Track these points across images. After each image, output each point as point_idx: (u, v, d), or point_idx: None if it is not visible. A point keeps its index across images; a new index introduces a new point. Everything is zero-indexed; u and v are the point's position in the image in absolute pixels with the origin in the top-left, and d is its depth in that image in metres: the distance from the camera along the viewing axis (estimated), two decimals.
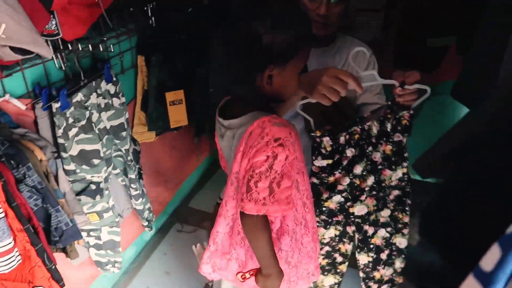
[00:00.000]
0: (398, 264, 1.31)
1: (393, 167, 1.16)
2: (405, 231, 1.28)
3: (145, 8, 1.61)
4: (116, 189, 1.56)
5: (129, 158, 1.49)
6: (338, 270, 1.37)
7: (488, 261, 0.31)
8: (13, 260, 0.97)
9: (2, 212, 0.94)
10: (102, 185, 1.33)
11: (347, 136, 1.10)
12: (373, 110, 1.15)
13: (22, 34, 0.80)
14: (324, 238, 1.29)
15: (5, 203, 0.95)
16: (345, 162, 1.12)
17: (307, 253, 1.08)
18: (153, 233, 2.08)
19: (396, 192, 1.20)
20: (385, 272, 1.34)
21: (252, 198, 0.85)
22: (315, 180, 1.16)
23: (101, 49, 1.33)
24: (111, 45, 1.39)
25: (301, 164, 0.99)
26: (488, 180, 0.37)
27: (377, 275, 1.35)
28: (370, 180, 1.15)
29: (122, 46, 1.51)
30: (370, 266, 1.33)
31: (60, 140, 1.18)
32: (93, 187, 1.31)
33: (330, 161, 1.13)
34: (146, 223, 1.72)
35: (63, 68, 1.27)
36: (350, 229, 1.28)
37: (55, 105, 1.15)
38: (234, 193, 0.98)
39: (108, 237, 1.47)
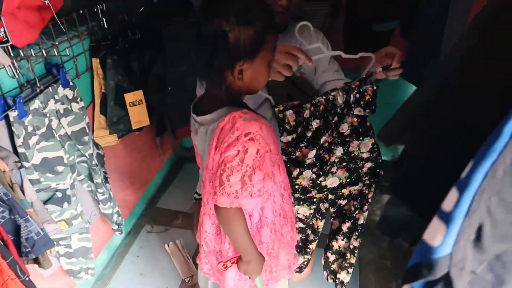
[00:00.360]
0: (354, 240, 1.40)
1: (361, 138, 1.20)
2: (365, 207, 1.36)
3: (95, 9, 1.59)
4: (82, 195, 1.53)
5: (93, 162, 1.46)
6: (308, 250, 1.44)
7: (448, 202, 0.37)
8: None
9: None
10: (68, 192, 1.31)
11: (312, 108, 1.13)
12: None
13: None
14: (298, 214, 1.34)
15: None
16: (309, 134, 1.15)
17: (287, 242, 1.13)
18: (123, 236, 2.05)
19: (369, 165, 1.25)
20: (343, 244, 1.42)
21: (225, 192, 0.88)
22: (284, 158, 1.19)
23: (56, 54, 1.30)
24: (66, 48, 1.36)
25: (276, 156, 1.02)
26: (440, 138, 0.42)
27: (335, 245, 1.43)
28: (339, 151, 1.19)
29: (75, 49, 1.47)
30: (331, 236, 1.41)
31: (21, 150, 1.15)
32: (59, 194, 1.29)
33: (294, 135, 1.16)
34: (116, 227, 1.71)
35: (16, 76, 1.23)
36: (323, 206, 1.33)
37: (12, 114, 1.12)
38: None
39: (79, 244, 1.44)
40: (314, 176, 1.23)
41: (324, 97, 1.14)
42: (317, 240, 1.44)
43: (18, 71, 1.23)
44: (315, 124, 1.15)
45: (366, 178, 1.28)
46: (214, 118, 0.93)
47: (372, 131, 1.22)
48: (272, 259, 1.09)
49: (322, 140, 1.16)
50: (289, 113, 1.13)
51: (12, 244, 1.06)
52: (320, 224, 1.39)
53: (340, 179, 1.26)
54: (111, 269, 1.89)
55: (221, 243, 1.05)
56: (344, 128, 1.18)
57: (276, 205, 1.05)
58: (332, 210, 1.36)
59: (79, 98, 1.39)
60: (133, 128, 1.73)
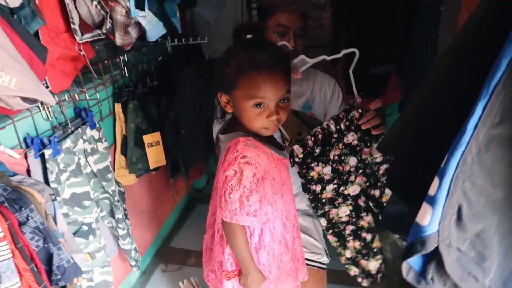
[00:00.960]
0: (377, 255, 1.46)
1: (368, 144, 1.30)
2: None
3: (117, 60, 1.76)
4: (102, 232, 1.61)
5: (115, 198, 1.56)
6: (375, 250, 1.49)
7: (432, 188, 0.46)
8: None
9: (9, 253, 1.00)
10: (93, 225, 1.40)
11: (312, 139, 1.27)
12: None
13: (30, 85, 0.91)
14: (341, 217, 1.42)
15: (12, 243, 1.01)
16: (318, 151, 1.28)
17: (286, 271, 1.18)
18: (138, 275, 2.10)
19: (384, 166, 1.31)
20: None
21: (227, 208, 1.00)
22: (303, 181, 1.32)
23: (86, 97, 1.44)
24: (97, 93, 1.50)
25: (281, 186, 1.11)
26: (424, 140, 0.53)
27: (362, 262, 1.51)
28: (353, 161, 1.30)
29: (99, 95, 1.62)
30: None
31: (53, 185, 1.26)
32: (85, 228, 1.37)
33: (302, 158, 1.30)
34: (134, 263, 1.76)
35: (50, 118, 1.36)
36: (361, 201, 1.40)
37: (47, 152, 1.23)
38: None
39: (101, 278, 1.50)
40: (336, 186, 1.33)
41: (319, 127, 1.27)
42: (376, 236, 1.47)
43: (51, 114, 1.36)
44: (318, 150, 1.28)
45: (384, 178, 1.34)
46: (227, 139, 1.07)
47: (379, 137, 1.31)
48: (269, 284, 1.14)
49: (331, 155, 1.28)
50: (296, 147, 1.27)
51: (44, 272, 1.14)
52: (369, 219, 1.42)
53: (360, 185, 1.35)
54: None
55: (222, 254, 1.14)
56: (350, 139, 1.28)
57: (276, 231, 1.13)
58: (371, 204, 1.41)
59: (104, 139, 1.52)
60: (151, 167, 1.83)
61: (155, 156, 1.82)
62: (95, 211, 1.41)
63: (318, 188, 1.34)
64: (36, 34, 1.13)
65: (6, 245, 0.99)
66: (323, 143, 1.28)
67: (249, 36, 1.07)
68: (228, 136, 1.07)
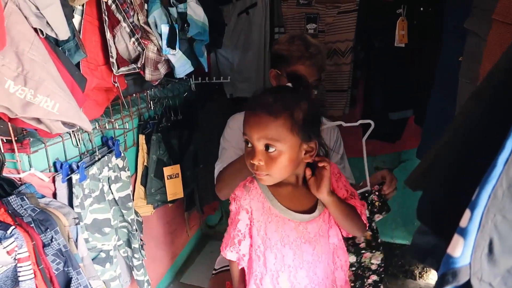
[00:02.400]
0: None
1: (373, 251, 1.34)
2: None
3: (144, 94, 1.84)
4: (118, 261, 1.61)
5: (134, 227, 1.58)
6: None
7: (464, 220, 0.48)
8: None
9: (32, 273, 1.02)
10: (111, 253, 1.41)
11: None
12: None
13: (71, 111, 0.96)
14: None
15: (35, 264, 1.03)
16: None
17: None
18: None
19: (374, 277, 1.37)
20: None
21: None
22: None
23: (116, 126, 1.50)
24: (126, 123, 1.56)
25: (273, 243, 1.05)
26: (455, 175, 0.55)
27: None
28: (352, 259, 1.33)
29: (126, 126, 1.69)
30: None
31: (77, 209, 1.29)
32: (103, 255, 1.38)
33: None
34: None
35: (78, 145, 1.42)
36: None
37: (75, 177, 1.28)
38: None
39: None
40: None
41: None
42: None
43: (81, 141, 1.42)
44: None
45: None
46: None
47: (381, 247, 1.37)
48: None
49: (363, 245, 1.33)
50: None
51: None
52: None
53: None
54: None
55: None
56: (360, 240, 1.32)
57: (254, 272, 1.08)
58: None
59: (127, 168, 1.56)
60: (169, 199, 1.86)
61: (174, 188, 1.85)
62: (114, 238, 1.43)
63: None
64: (77, 65, 1.21)
65: (29, 265, 1.01)
66: None
67: (288, 84, 1.02)
68: None
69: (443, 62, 1.68)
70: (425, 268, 2.44)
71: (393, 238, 2.70)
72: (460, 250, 0.48)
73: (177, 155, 1.90)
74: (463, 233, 0.48)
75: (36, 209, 1.10)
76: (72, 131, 1.38)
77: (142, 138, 1.78)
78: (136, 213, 1.67)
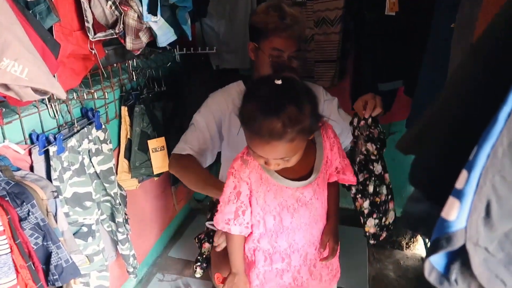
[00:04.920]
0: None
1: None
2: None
3: (126, 64, 1.76)
4: (101, 236, 1.58)
5: (117, 201, 1.54)
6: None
7: (460, 181, 0.44)
8: None
9: (8, 248, 0.97)
10: (93, 227, 1.37)
11: (357, 166, 1.32)
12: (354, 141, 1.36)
13: (42, 77, 0.90)
14: None
15: (11, 239, 0.99)
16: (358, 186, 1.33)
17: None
18: (134, 284, 2.05)
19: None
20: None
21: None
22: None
23: (95, 97, 1.43)
24: (106, 93, 1.49)
25: (272, 208, 1.13)
26: (450, 135, 0.51)
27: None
28: (384, 190, 1.35)
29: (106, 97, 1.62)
30: None
31: (56, 183, 1.24)
32: (85, 229, 1.34)
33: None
34: (131, 269, 1.72)
35: (56, 116, 1.35)
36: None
37: (52, 149, 1.22)
38: None
39: (97, 282, 1.47)
40: (377, 221, 1.36)
41: (362, 155, 1.31)
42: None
43: (58, 113, 1.35)
44: (361, 177, 1.31)
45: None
46: None
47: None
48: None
49: (371, 189, 1.31)
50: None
51: (42, 271, 1.11)
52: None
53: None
54: None
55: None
56: (379, 169, 1.33)
57: (278, 245, 1.20)
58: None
59: (109, 140, 1.50)
60: (154, 173, 1.81)
61: (159, 161, 1.80)
62: (96, 212, 1.39)
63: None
64: (50, 30, 1.13)
65: (5, 239, 0.97)
66: (365, 168, 1.32)
67: (278, 82, 0.97)
68: None
69: (435, 30, 1.63)
70: (412, 239, 2.46)
71: None
72: (456, 214, 0.45)
73: (162, 128, 1.84)
74: (459, 195, 0.44)
75: (11, 182, 1.04)
76: (49, 102, 1.31)
77: (124, 110, 1.72)
78: (119, 186, 1.63)
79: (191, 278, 2.10)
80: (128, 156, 1.76)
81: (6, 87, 0.87)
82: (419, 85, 1.80)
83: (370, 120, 1.32)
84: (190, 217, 2.66)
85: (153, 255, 2.26)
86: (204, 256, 1.59)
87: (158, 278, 2.12)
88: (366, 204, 1.31)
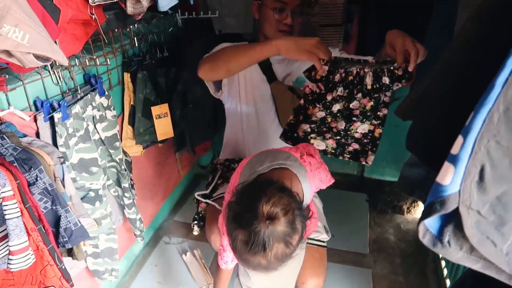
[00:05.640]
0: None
1: (364, 120, 1.22)
2: None
3: (128, 29, 1.74)
4: (108, 200, 1.62)
5: (122, 167, 1.56)
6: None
7: (455, 147, 0.45)
8: (29, 258, 1.03)
9: (18, 211, 1.01)
10: (100, 192, 1.40)
11: (343, 75, 1.19)
12: (377, 58, 1.19)
13: (43, 43, 0.89)
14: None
15: (21, 203, 1.02)
16: (329, 98, 1.23)
17: None
18: (141, 246, 2.12)
19: (355, 146, 1.27)
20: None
21: None
22: (301, 102, 1.29)
23: (97, 63, 1.42)
24: (108, 59, 1.48)
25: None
26: (448, 100, 0.52)
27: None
28: (341, 125, 1.24)
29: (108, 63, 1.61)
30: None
31: (62, 149, 1.26)
32: (92, 194, 1.38)
33: (318, 90, 1.24)
34: (138, 233, 1.78)
35: (59, 83, 1.35)
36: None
37: (57, 116, 1.23)
38: None
39: (106, 244, 1.52)
40: (309, 130, 1.29)
41: (357, 71, 1.17)
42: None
43: (61, 79, 1.35)
44: (340, 91, 1.20)
45: (348, 156, 1.30)
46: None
47: (379, 121, 1.23)
48: None
49: (335, 109, 1.23)
50: (324, 68, 1.21)
51: (52, 234, 1.15)
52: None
53: (326, 147, 1.30)
54: (130, 277, 1.95)
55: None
56: (355, 105, 1.21)
57: None
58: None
59: (112, 107, 1.51)
60: (158, 139, 1.83)
61: (163, 128, 1.81)
62: (102, 178, 1.42)
63: (301, 117, 1.29)
64: None
65: (15, 203, 1.00)
66: (347, 87, 1.20)
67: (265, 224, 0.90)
68: None
69: None
70: (413, 204, 2.50)
71: (383, 176, 2.74)
72: (450, 178, 0.46)
73: (165, 94, 1.84)
74: (454, 160, 0.45)
75: (18, 148, 1.06)
76: (51, 68, 1.31)
77: (127, 76, 1.71)
78: (124, 152, 1.65)
79: (196, 241, 2.16)
80: (132, 122, 1.77)
81: (8, 53, 0.88)
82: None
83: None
84: (194, 183, 2.71)
85: (159, 219, 2.32)
86: (200, 215, 1.64)
87: (164, 241, 2.18)
88: (320, 115, 1.25)
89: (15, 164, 1.05)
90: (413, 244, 2.17)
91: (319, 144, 1.31)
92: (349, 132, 1.26)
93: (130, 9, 1.43)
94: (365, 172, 2.76)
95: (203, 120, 2.21)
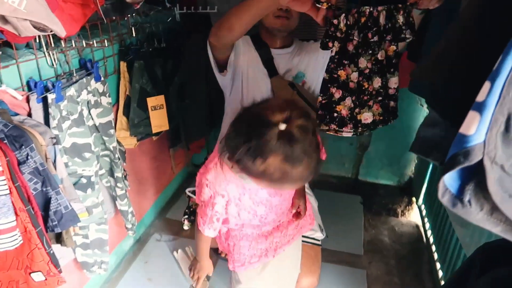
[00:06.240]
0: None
1: (392, 70, 1.22)
2: None
3: (126, 19, 1.71)
4: (100, 188, 1.57)
5: (116, 156, 1.52)
6: None
7: (482, 94, 0.43)
8: (16, 239, 0.99)
9: (7, 189, 0.96)
10: (93, 179, 1.36)
11: (356, 15, 1.13)
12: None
13: (40, 11, 0.86)
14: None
15: (10, 180, 0.97)
16: (350, 48, 1.17)
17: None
18: (132, 243, 2.06)
19: (392, 103, 1.26)
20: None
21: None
22: (325, 76, 1.24)
23: (93, 45, 1.39)
24: (106, 41, 1.45)
25: (247, 205, 1.30)
26: (473, 61, 0.50)
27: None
28: (377, 83, 1.21)
29: (105, 52, 1.58)
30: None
31: (55, 131, 1.21)
32: (84, 180, 1.33)
33: (338, 49, 1.18)
34: (130, 226, 1.73)
35: (54, 65, 1.32)
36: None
37: (51, 97, 1.19)
38: None
39: (96, 235, 1.47)
40: (352, 105, 1.23)
41: (370, 10, 1.13)
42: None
43: (56, 61, 1.32)
44: (355, 36, 1.15)
45: (392, 119, 1.30)
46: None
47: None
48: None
49: (363, 65, 1.19)
50: (342, 17, 1.13)
51: (41, 217, 1.10)
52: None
53: (374, 115, 1.26)
54: (119, 273, 1.89)
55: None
56: (382, 55, 1.18)
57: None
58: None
59: (108, 94, 1.48)
60: (153, 131, 1.79)
61: (158, 120, 1.78)
62: (95, 164, 1.38)
63: (338, 94, 1.23)
64: None
65: (4, 180, 0.96)
66: (362, 30, 1.14)
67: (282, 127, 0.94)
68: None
69: None
70: (407, 206, 2.49)
71: (378, 178, 2.73)
72: (475, 127, 0.43)
73: (162, 86, 1.81)
74: (480, 107, 0.43)
75: (9, 124, 1.02)
76: (47, 49, 1.28)
77: (123, 65, 1.68)
78: (118, 142, 1.61)
79: (188, 239, 2.11)
80: (127, 113, 1.73)
81: (4, 19, 0.84)
82: (426, 46, 1.76)
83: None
84: (188, 180, 2.67)
85: (151, 216, 2.27)
86: (191, 209, 1.62)
87: (155, 238, 2.13)
88: (354, 76, 1.21)
89: (5, 141, 1.01)
90: (408, 246, 2.14)
91: (366, 117, 1.25)
92: (389, 89, 1.23)
93: None
94: (360, 175, 2.74)
95: (199, 115, 2.18)
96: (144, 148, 2.00)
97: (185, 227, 1.62)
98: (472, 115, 0.44)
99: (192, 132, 2.21)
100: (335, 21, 1.14)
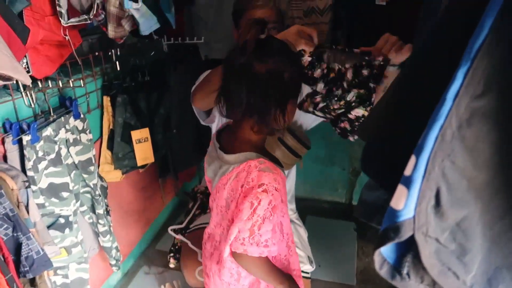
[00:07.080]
0: None
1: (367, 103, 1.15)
2: None
3: (109, 53, 1.72)
4: (82, 228, 1.55)
5: (97, 192, 1.51)
6: None
7: (408, 168, 0.41)
8: None
9: None
10: (71, 219, 1.34)
11: (325, 71, 1.11)
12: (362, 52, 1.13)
13: (4, 61, 0.87)
14: None
15: None
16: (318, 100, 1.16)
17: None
18: (120, 277, 2.03)
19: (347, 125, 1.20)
20: None
21: (236, 240, 0.91)
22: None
23: (71, 85, 1.40)
24: (80, 80, 1.46)
25: (285, 206, 1.02)
26: (405, 120, 0.48)
27: None
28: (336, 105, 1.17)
29: (88, 87, 1.58)
30: None
31: (30, 173, 1.21)
32: (62, 220, 1.32)
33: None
34: (114, 262, 1.70)
35: (32, 105, 1.32)
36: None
37: (26, 138, 1.19)
38: None
39: (76, 274, 1.44)
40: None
41: (338, 67, 1.11)
42: None
43: (34, 101, 1.32)
44: (319, 87, 1.13)
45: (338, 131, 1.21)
46: (231, 161, 0.96)
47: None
48: None
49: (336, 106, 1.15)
50: (306, 59, 1.11)
51: (12, 262, 1.08)
52: None
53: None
54: None
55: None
56: (350, 96, 1.12)
57: (281, 256, 1.06)
58: None
59: (88, 130, 1.47)
60: (138, 164, 1.79)
61: (143, 153, 1.77)
62: (74, 203, 1.36)
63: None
64: (20, 15, 1.10)
65: None
66: (328, 84, 1.12)
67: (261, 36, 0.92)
68: (235, 158, 0.96)
69: (423, 17, 1.59)
70: None
71: None
72: (403, 202, 0.42)
73: (146, 118, 1.81)
74: (407, 182, 0.42)
75: None
76: (24, 90, 1.28)
77: (106, 99, 1.69)
78: (100, 177, 1.60)
79: (177, 271, 2.07)
80: (110, 147, 1.73)
81: None
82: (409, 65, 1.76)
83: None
84: (179, 210, 2.64)
85: (141, 247, 2.24)
86: (177, 247, 1.58)
87: (144, 271, 2.10)
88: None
89: None
90: None
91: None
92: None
93: (111, 32, 1.42)
94: (354, 200, 2.70)
95: (187, 144, 2.17)
96: (131, 180, 1.99)
97: (171, 265, 1.59)
98: (400, 189, 0.42)
99: (180, 161, 2.19)
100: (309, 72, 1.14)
